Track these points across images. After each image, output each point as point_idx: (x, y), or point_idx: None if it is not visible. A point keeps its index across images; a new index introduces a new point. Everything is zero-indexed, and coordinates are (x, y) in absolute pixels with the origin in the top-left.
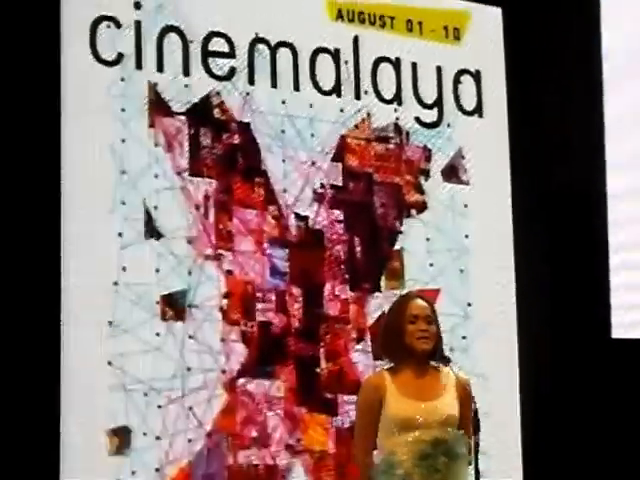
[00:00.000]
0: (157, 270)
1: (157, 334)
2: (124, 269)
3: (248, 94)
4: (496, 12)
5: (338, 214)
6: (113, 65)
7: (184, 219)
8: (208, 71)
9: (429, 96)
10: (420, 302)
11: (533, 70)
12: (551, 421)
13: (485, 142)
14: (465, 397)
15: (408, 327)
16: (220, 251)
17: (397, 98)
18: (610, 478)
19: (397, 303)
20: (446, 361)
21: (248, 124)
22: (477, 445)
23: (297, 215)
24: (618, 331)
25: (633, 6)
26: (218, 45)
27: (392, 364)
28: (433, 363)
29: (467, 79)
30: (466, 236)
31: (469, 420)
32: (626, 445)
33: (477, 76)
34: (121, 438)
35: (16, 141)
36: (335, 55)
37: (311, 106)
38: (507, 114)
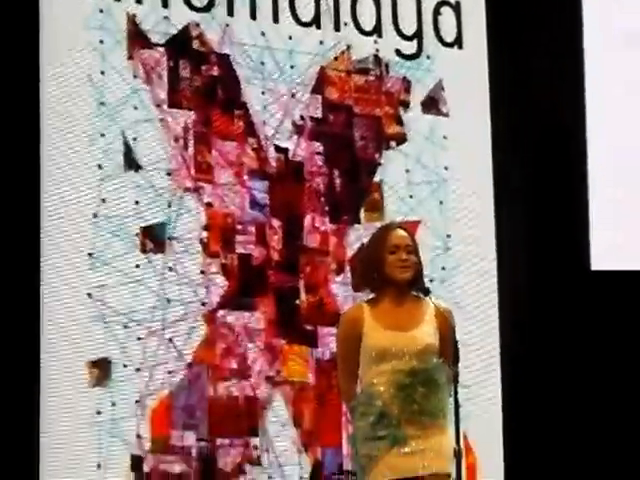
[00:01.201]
0: (136, 202)
1: (137, 266)
2: (103, 201)
3: (227, 25)
4: None
5: (318, 146)
6: None
7: (163, 151)
8: (187, 2)
9: (409, 28)
10: (400, 232)
11: (512, 1)
12: (530, 352)
13: (465, 74)
14: (445, 327)
15: (388, 257)
16: (200, 183)
17: (377, 30)
18: (588, 405)
19: (378, 233)
20: (426, 292)
21: (227, 56)
22: (456, 375)
23: (277, 147)
24: (598, 263)
25: None
26: None
27: (371, 295)
28: (413, 293)
29: (447, 11)
30: (445, 168)
31: (449, 350)
32: (604, 374)
33: (457, 8)
34: (101, 370)
35: None
36: None
37: (290, 38)
38: (487, 45)
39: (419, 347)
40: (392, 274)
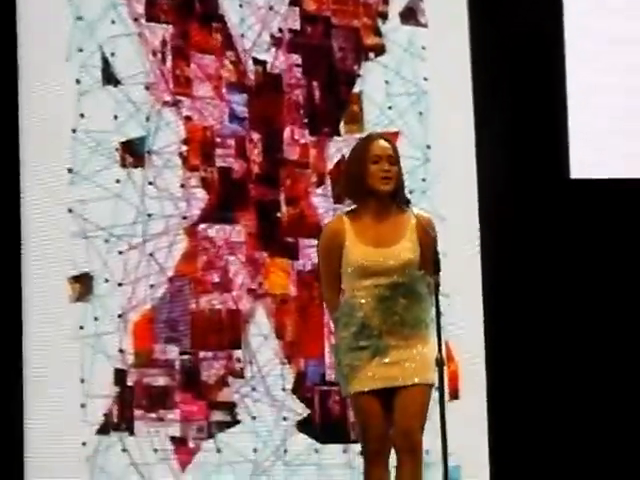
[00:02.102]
0: (115, 117)
1: (117, 181)
2: (82, 116)
3: None
4: None
5: (296, 58)
6: None
7: (141, 65)
8: None
9: None
10: (383, 143)
11: None
12: (510, 259)
13: None
14: (426, 238)
15: (370, 167)
16: (178, 97)
17: None
18: (568, 317)
19: (360, 144)
20: (406, 203)
21: None
22: (437, 285)
23: (255, 60)
24: (576, 171)
25: None
26: None
27: (352, 208)
28: (396, 205)
29: None
30: (425, 79)
31: (429, 261)
32: (582, 281)
33: None
34: (83, 285)
35: None
36: None
37: None
38: None
39: (400, 263)
40: (374, 185)
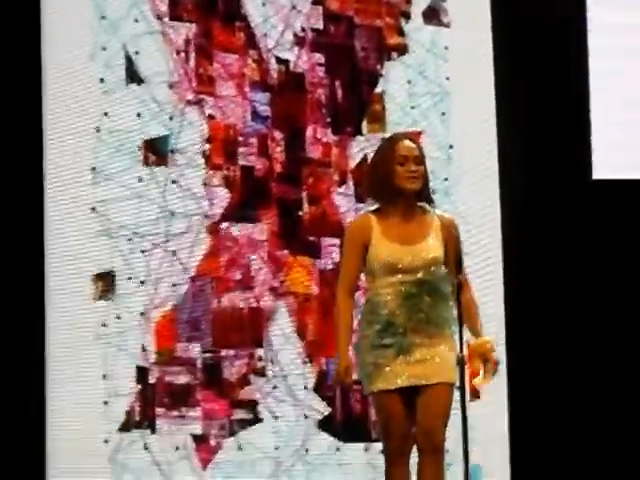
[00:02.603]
0: (139, 115)
1: (140, 180)
2: (106, 114)
3: None
4: None
5: (319, 57)
6: None
7: (165, 64)
8: None
9: None
10: (408, 143)
11: None
12: (532, 261)
13: None
14: (450, 238)
15: (397, 168)
16: (201, 96)
17: None
18: (589, 309)
19: (385, 144)
20: (430, 202)
21: None
22: (460, 285)
23: (278, 59)
24: (599, 172)
25: None
26: None
27: (377, 207)
28: (420, 205)
29: None
30: (447, 79)
31: (453, 261)
32: (602, 280)
33: None
34: (105, 283)
35: None
36: None
37: None
38: None
39: (425, 260)
40: (401, 185)
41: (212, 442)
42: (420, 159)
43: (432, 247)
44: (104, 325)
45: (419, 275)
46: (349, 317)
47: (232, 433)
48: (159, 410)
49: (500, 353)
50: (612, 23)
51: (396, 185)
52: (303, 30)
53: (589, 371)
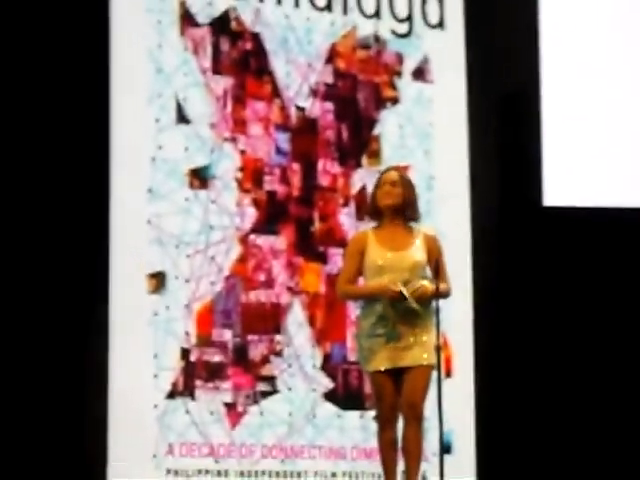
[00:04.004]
0: (186, 149)
1: (186, 199)
2: (160, 147)
3: (258, 10)
4: None
5: (329, 106)
6: None
7: (207, 108)
8: None
9: (402, 12)
10: (391, 172)
11: None
12: (496, 269)
13: (446, 50)
14: (431, 248)
15: (377, 191)
16: (236, 134)
17: (377, 14)
18: (547, 318)
19: (378, 176)
20: (416, 220)
21: (258, 34)
22: (437, 288)
23: (297, 106)
24: (550, 199)
25: None
26: None
27: (376, 225)
28: (408, 223)
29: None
30: (430, 124)
31: (434, 266)
32: (554, 301)
33: None
34: (158, 281)
35: (72, 50)
36: None
37: (308, 19)
38: (464, 28)
39: (410, 263)
40: (379, 202)
41: (239, 408)
42: (398, 183)
43: (416, 253)
44: (156, 314)
45: (405, 275)
46: (356, 286)
47: (255, 401)
48: (198, 382)
49: (467, 339)
50: (564, 61)
51: (376, 203)
52: (317, 84)
53: (542, 360)
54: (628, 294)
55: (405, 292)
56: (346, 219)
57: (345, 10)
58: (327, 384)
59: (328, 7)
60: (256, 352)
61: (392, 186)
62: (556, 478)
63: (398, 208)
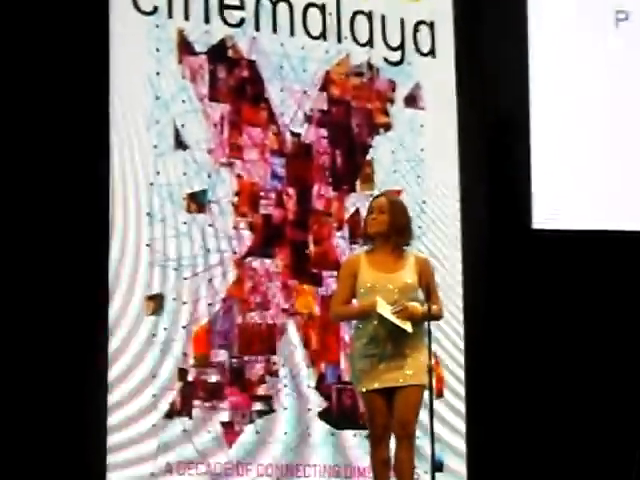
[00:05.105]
0: (184, 173)
1: (184, 223)
2: (158, 173)
3: (254, 38)
4: None
5: (323, 132)
6: (150, 15)
7: (204, 134)
8: (224, 20)
9: (394, 41)
10: (380, 199)
11: (475, 21)
12: (486, 294)
13: (437, 77)
14: (423, 271)
15: (368, 218)
16: (232, 160)
17: (370, 42)
18: (534, 338)
19: (369, 202)
20: (408, 244)
21: (254, 62)
22: (429, 309)
23: (292, 132)
24: (539, 221)
25: None
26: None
27: (368, 248)
28: (401, 246)
29: (424, 28)
30: (422, 149)
31: (425, 289)
32: (541, 323)
33: (431, 26)
34: (156, 303)
35: (72, 77)
36: (322, 8)
37: (303, 48)
38: (454, 56)
39: (400, 285)
40: (367, 229)
41: (236, 427)
42: (385, 209)
43: (406, 275)
44: (154, 335)
45: (395, 297)
46: (347, 307)
47: (251, 420)
48: (196, 402)
49: (459, 361)
50: (553, 81)
51: (367, 231)
52: (311, 110)
53: (529, 380)
54: (613, 313)
55: (383, 311)
56: (340, 242)
57: (339, 38)
58: (321, 403)
59: (322, 36)
60: (252, 372)
61: (379, 213)
62: None
63: (385, 235)
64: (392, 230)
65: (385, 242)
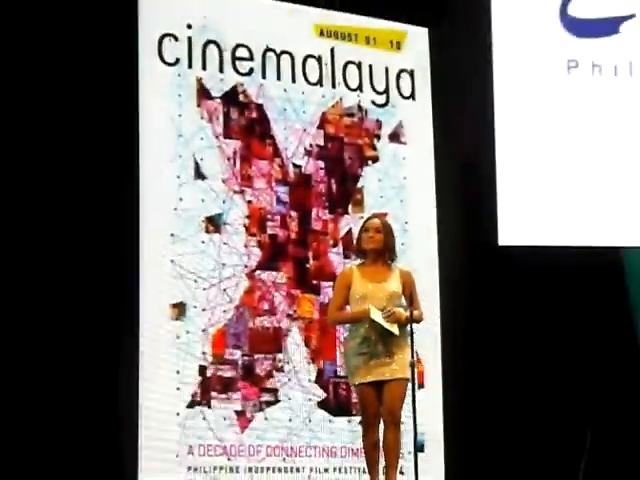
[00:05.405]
0: (202, 200)
1: (202, 242)
2: (180, 199)
3: (262, 85)
4: (423, 31)
5: (321, 164)
6: (173, 65)
7: (220, 167)
8: (235, 70)
9: (380, 86)
10: (373, 220)
11: (449, 72)
12: (463, 302)
13: (417, 117)
14: (406, 281)
15: (362, 236)
16: (243, 188)
17: (359, 87)
18: (492, 346)
19: (363, 222)
20: (393, 260)
21: (262, 105)
22: (412, 314)
23: (294, 164)
24: (505, 238)
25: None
26: (242, 52)
27: (360, 262)
28: (388, 261)
29: (405, 76)
30: (404, 178)
31: (408, 297)
32: (510, 337)
33: (412, 74)
34: (179, 310)
35: (107, 119)
36: (319, 59)
37: (303, 93)
38: (431, 98)
39: (387, 293)
40: (363, 245)
41: (247, 415)
42: (380, 229)
43: (392, 285)
44: (178, 337)
45: (383, 304)
46: (342, 312)
47: (261, 409)
48: (213, 394)
49: (436, 358)
50: (515, 122)
51: (361, 245)
52: (311, 145)
53: (499, 377)
54: (576, 325)
55: (376, 317)
56: (335, 257)
57: (333, 84)
58: (320, 395)
59: (319, 82)
60: (261, 368)
61: (375, 232)
62: (516, 472)
63: (379, 251)
64: (386, 247)
65: (378, 257)
